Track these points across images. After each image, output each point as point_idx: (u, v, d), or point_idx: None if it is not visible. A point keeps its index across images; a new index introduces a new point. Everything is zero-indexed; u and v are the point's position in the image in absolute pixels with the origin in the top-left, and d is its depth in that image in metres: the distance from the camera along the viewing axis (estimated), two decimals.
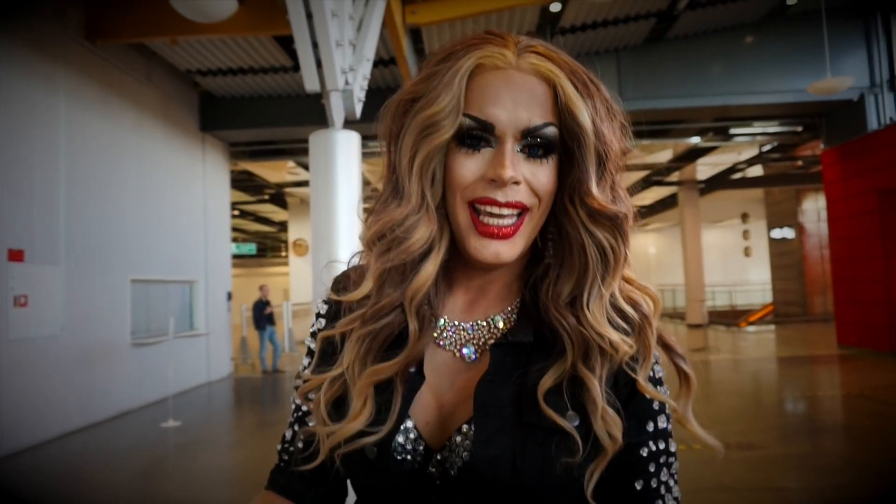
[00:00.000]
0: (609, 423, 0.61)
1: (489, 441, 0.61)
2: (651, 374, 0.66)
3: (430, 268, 0.66)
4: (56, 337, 5.86)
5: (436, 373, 0.68)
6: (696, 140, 11.01)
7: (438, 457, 0.64)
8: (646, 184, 15.84)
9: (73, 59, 6.28)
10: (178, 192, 8.50)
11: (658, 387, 0.67)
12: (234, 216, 11.73)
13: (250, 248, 22.04)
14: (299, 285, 15.58)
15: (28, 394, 5.45)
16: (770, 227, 18.38)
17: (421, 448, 0.64)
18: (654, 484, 0.66)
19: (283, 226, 21.18)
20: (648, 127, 10.21)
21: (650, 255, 26.75)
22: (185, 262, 8.60)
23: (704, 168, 14.55)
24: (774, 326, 15.87)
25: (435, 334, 0.69)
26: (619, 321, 0.65)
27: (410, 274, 0.65)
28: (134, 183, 7.34)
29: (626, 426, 0.63)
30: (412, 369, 0.66)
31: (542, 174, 0.63)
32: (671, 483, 0.68)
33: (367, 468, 0.65)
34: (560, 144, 0.63)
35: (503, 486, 0.60)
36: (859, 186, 9.46)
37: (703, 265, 15.92)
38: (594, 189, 0.63)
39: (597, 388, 0.61)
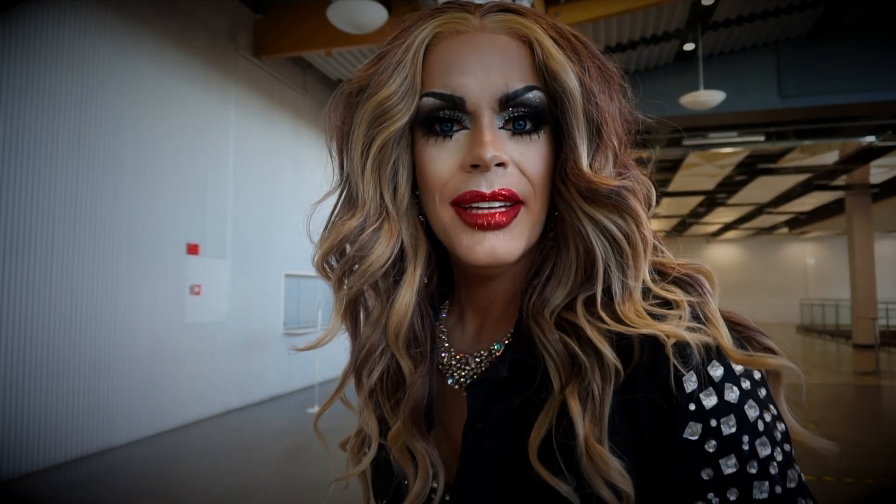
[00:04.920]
0: (609, 472, 0.43)
1: None
2: (698, 404, 0.44)
3: (407, 295, 0.54)
4: (222, 324, 6.51)
5: (448, 414, 0.57)
6: (870, 139, 9.85)
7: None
8: (806, 188, 14.44)
9: (242, 73, 6.95)
10: None
11: (717, 419, 0.44)
12: None
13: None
14: None
15: (199, 373, 6.10)
16: None
17: (448, 498, 0.55)
18: None
19: None
20: (811, 126, 9.31)
21: (808, 266, 24.36)
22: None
23: (879, 171, 12.98)
24: None
25: (441, 368, 0.58)
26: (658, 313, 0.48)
27: (387, 304, 0.55)
28: (289, 185, 7.96)
29: (665, 470, 0.44)
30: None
31: (532, 153, 0.50)
32: None
33: None
34: (550, 116, 0.51)
35: None
36: None
37: (876, 279, 14.20)
38: (583, 162, 0.49)
39: (581, 426, 0.45)
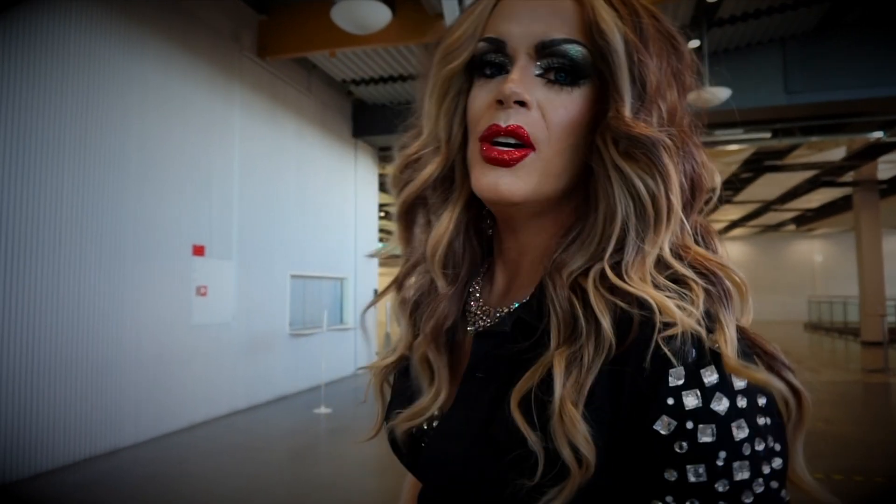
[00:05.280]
0: (575, 436, 0.43)
1: (443, 443, 0.55)
2: (676, 399, 0.43)
3: (446, 218, 0.58)
4: (228, 325, 6.52)
5: (460, 358, 0.60)
6: (878, 135, 9.78)
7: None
8: (812, 185, 14.36)
9: (246, 74, 6.96)
10: (333, 194, 9.10)
11: (694, 423, 0.42)
12: (381, 217, 12.31)
13: (396, 247, 23.07)
14: None
15: (205, 374, 6.12)
16: None
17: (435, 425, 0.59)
18: None
19: None
20: (818, 122, 9.25)
21: (816, 263, 24.24)
22: (337, 260, 9.18)
23: (887, 167, 12.90)
24: None
25: (467, 315, 0.61)
26: (673, 289, 0.47)
27: (432, 226, 0.59)
28: (294, 186, 7.97)
29: (634, 459, 0.44)
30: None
31: (559, 102, 0.52)
32: None
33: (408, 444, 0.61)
34: (594, 72, 0.52)
35: (449, 496, 0.53)
36: None
37: (885, 275, 14.11)
38: (627, 109, 0.50)
39: (560, 383, 0.45)
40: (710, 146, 10.19)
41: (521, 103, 0.51)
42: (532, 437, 0.45)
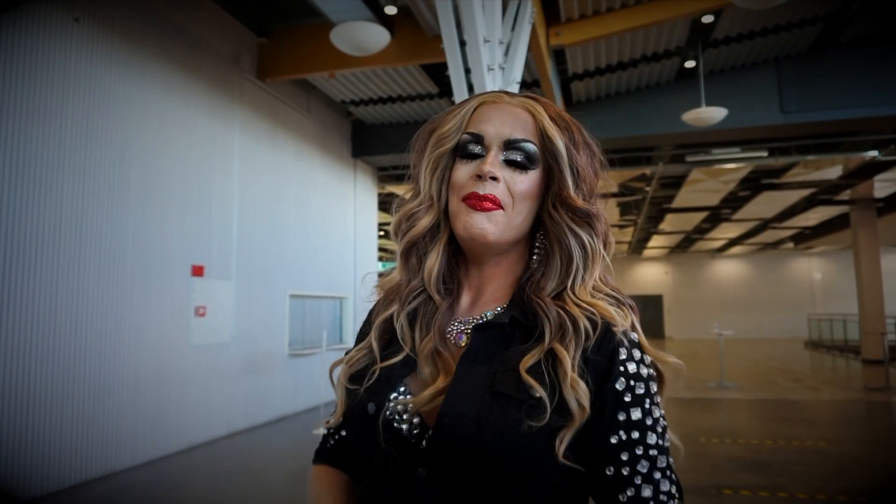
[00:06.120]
0: (578, 392, 0.67)
1: (456, 402, 0.68)
2: (625, 367, 0.71)
3: (434, 254, 0.81)
4: (227, 345, 6.50)
5: (435, 358, 0.77)
6: (873, 154, 9.86)
7: (430, 432, 0.70)
8: (810, 203, 14.43)
9: (246, 96, 7.02)
10: (332, 214, 9.12)
11: (634, 381, 0.70)
12: (380, 236, 12.32)
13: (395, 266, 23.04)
14: None
15: (203, 395, 6.08)
16: None
17: (416, 420, 0.72)
18: (625, 472, 0.68)
19: None
20: (814, 141, 9.32)
21: (815, 281, 24.22)
22: (337, 279, 9.17)
23: (883, 185, 12.97)
24: None
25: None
26: (603, 305, 0.74)
27: (423, 260, 0.81)
28: (294, 206, 7.99)
29: (597, 408, 0.69)
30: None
31: (518, 180, 0.77)
32: (656, 476, 0.68)
33: (367, 423, 0.74)
34: (541, 162, 0.78)
35: (466, 444, 0.66)
36: None
37: (884, 293, 14.10)
38: (572, 191, 0.77)
39: (568, 361, 0.68)
40: (707, 165, 10.25)
41: (494, 178, 0.76)
42: (542, 392, 0.66)
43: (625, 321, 0.72)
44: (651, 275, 25.60)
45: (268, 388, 7.20)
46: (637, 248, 23.25)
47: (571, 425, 0.66)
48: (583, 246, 0.76)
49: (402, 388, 0.75)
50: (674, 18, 6.36)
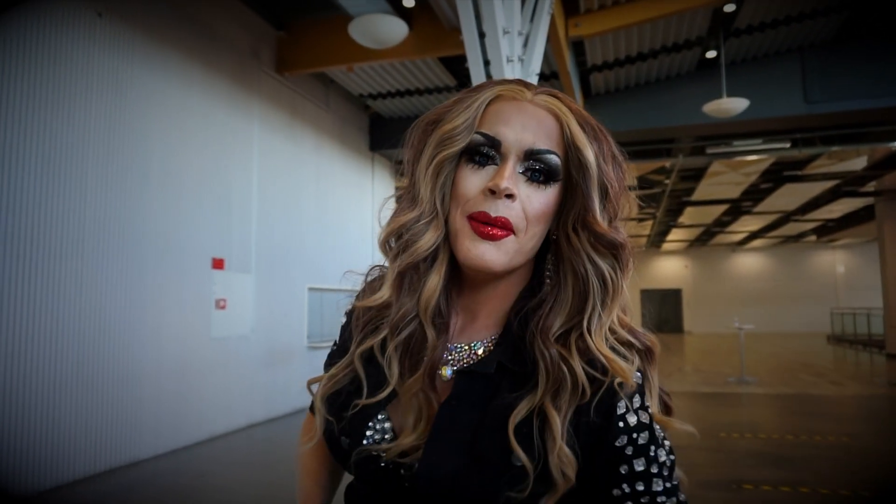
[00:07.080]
0: (564, 462, 0.60)
1: (433, 464, 0.63)
2: (624, 422, 0.63)
3: (435, 278, 0.69)
4: (246, 337, 6.57)
5: (419, 401, 0.69)
6: None
7: (407, 460, 0.66)
8: (833, 195, 14.17)
9: (265, 89, 7.06)
10: (350, 207, 9.16)
11: (636, 433, 0.63)
12: None
13: None
14: None
15: (224, 386, 6.16)
16: None
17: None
18: None
19: None
20: (838, 132, 9.14)
21: (838, 274, 23.82)
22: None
23: None
24: None
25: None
26: (621, 350, 0.66)
27: (421, 283, 0.69)
28: (312, 200, 8.04)
29: (596, 465, 0.63)
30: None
31: (536, 199, 0.66)
32: None
33: (343, 454, 0.70)
34: (564, 177, 0.67)
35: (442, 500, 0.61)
36: None
37: None
38: (598, 214, 0.65)
39: (558, 425, 0.61)
40: (728, 157, 10.11)
41: (510, 196, 0.64)
42: (526, 462, 0.60)
43: (631, 367, 0.64)
44: (670, 268, 25.36)
45: (287, 379, 7.27)
46: (656, 241, 23.03)
47: (554, 494, 0.61)
48: (602, 279, 0.66)
49: (380, 416, 0.69)
50: (695, 8, 6.26)
